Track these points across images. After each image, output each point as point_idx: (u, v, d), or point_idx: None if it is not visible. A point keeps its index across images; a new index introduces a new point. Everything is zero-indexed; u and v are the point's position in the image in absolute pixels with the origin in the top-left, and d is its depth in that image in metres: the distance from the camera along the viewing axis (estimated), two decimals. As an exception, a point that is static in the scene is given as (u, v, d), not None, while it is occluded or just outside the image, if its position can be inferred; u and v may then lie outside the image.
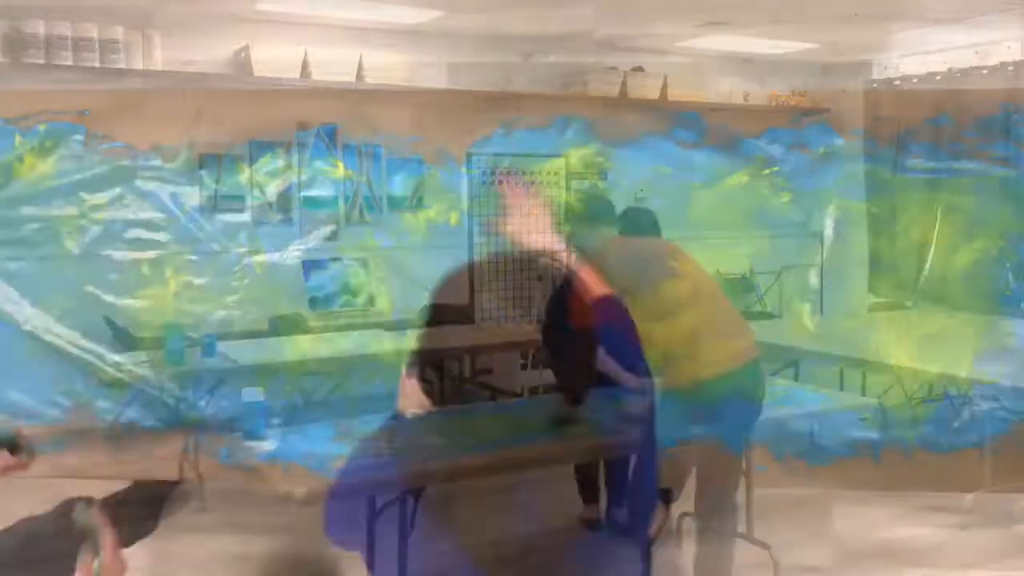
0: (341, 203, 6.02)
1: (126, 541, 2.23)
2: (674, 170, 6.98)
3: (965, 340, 4.68)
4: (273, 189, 5.81)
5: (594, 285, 2.61)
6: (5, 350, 4.46)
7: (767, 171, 7.35)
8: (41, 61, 4.90)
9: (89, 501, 2.33)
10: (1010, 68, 6.23)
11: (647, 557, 2.83)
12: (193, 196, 5.54)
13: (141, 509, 2.38)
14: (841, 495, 4.17)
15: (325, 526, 2.62)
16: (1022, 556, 3.58)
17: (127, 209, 5.29)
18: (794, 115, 7.44)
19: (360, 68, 5.75)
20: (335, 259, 5.79)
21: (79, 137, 4.98)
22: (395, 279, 6.12)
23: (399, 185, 6.19)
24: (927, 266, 6.77)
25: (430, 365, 4.33)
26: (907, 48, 6.74)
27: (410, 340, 4.96)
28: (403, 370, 2.71)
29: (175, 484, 3.10)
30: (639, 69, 6.75)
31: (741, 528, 3.45)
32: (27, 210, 4.97)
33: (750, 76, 7.28)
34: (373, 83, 5.77)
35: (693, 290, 3.10)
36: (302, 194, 5.89)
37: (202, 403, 4.21)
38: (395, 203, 6.18)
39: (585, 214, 3.37)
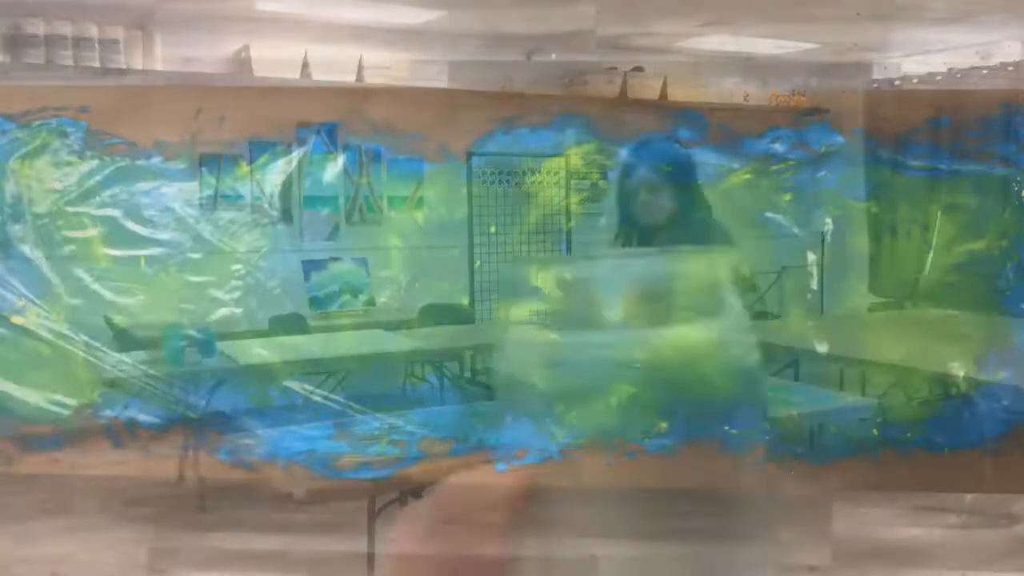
0: (341, 202, 6.02)
1: None
2: (675, 169, 6.97)
3: (965, 340, 4.68)
4: (273, 188, 5.81)
5: None
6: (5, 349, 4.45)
7: (770, 169, 7.34)
8: (41, 60, 4.90)
9: None
10: (1010, 68, 6.22)
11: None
12: (194, 194, 5.53)
13: None
14: (841, 495, 4.17)
15: None
16: (1022, 556, 3.58)
17: (128, 207, 5.28)
18: (794, 115, 7.43)
19: (360, 67, 5.75)
20: (335, 259, 5.79)
21: (80, 134, 4.99)
22: (395, 279, 6.12)
23: (400, 184, 6.19)
24: (927, 266, 6.77)
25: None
26: (907, 48, 6.74)
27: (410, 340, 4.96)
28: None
29: None
30: (639, 69, 6.75)
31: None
32: (27, 208, 4.97)
33: (750, 76, 7.28)
34: (373, 82, 5.77)
35: None
36: (303, 194, 5.89)
37: (202, 403, 4.21)
38: (395, 202, 6.18)
39: None
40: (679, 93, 6.84)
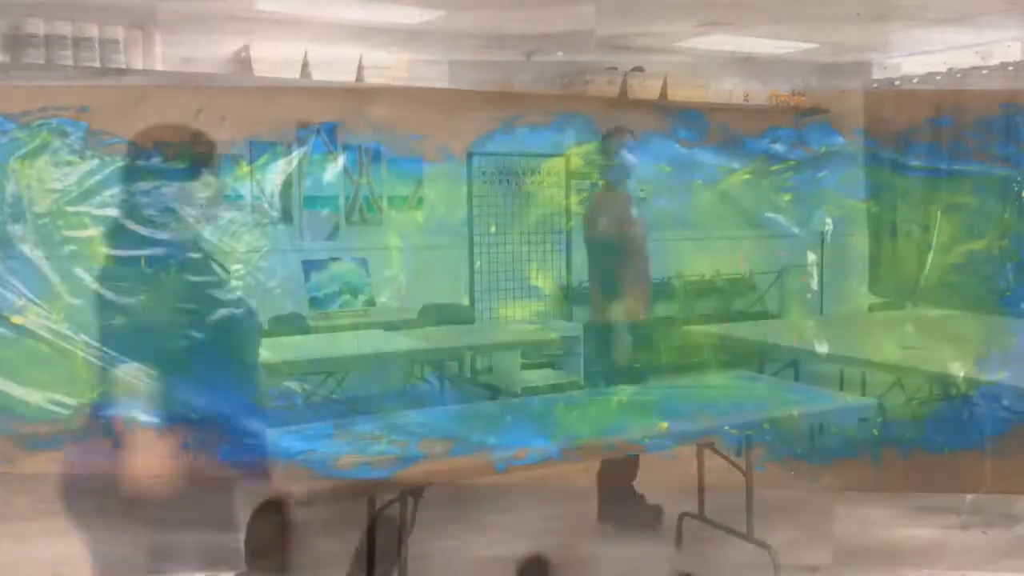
0: (341, 202, 6.02)
1: None
2: (675, 169, 6.98)
3: (965, 340, 4.68)
4: (273, 188, 5.81)
5: None
6: (6, 349, 4.45)
7: (770, 169, 7.34)
8: (41, 60, 4.90)
9: None
10: (1010, 68, 6.22)
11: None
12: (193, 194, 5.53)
13: None
14: (841, 495, 4.17)
15: None
16: (1022, 556, 3.58)
17: (127, 206, 5.28)
18: (794, 115, 7.44)
19: (360, 67, 5.75)
20: (335, 259, 5.79)
21: (80, 134, 4.99)
22: (395, 279, 6.11)
23: (399, 184, 6.19)
24: (927, 266, 6.77)
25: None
26: (907, 48, 6.74)
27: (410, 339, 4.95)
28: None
29: None
30: (639, 69, 6.74)
31: (741, 528, 3.45)
32: (27, 207, 4.96)
33: (750, 76, 7.28)
34: (373, 82, 5.77)
35: None
36: (303, 194, 5.89)
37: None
38: (395, 202, 6.18)
39: None
40: (679, 93, 6.84)
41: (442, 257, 6.20)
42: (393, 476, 2.67)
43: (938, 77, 6.66)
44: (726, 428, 3.18)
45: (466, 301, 6.06)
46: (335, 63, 5.67)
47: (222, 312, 2.42)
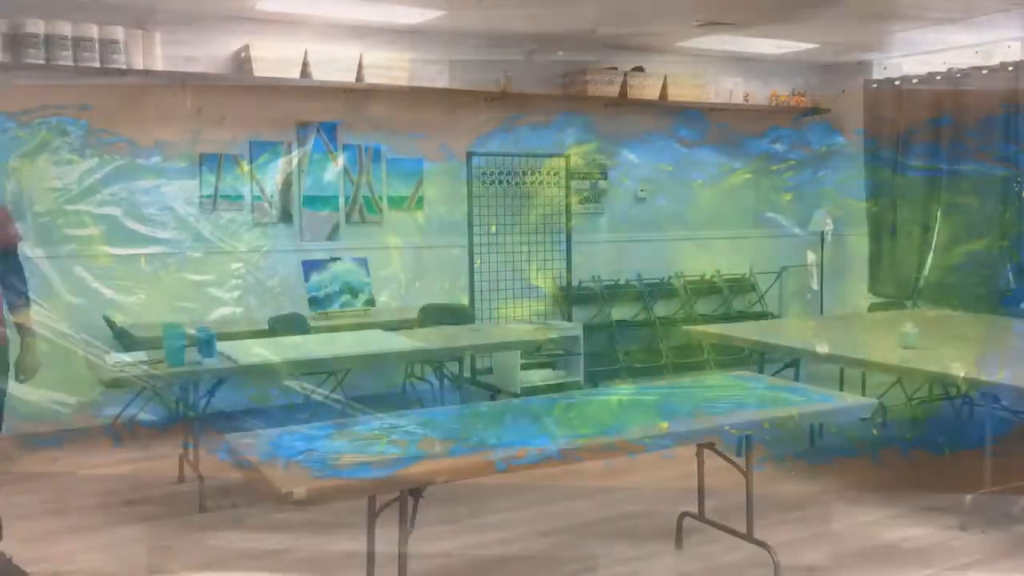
0: (341, 202, 6.02)
1: None
2: (675, 168, 6.99)
3: (965, 340, 4.68)
4: (273, 188, 5.81)
5: None
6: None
7: (770, 169, 7.35)
8: (41, 60, 4.90)
9: None
10: (1010, 68, 6.23)
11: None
12: (194, 193, 5.54)
13: None
14: (841, 495, 4.17)
15: None
16: (1022, 556, 3.58)
17: (128, 205, 5.29)
18: (794, 115, 7.45)
19: (360, 67, 5.75)
20: (335, 259, 5.79)
21: (80, 132, 5.00)
22: (395, 279, 6.12)
23: (400, 184, 6.18)
24: (927, 266, 6.78)
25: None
26: (907, 48, 6.74)
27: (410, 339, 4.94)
28: None
29: None
30: (639, 69, 6.75)
31: (741, 528, 3.45)
32: (28, 206, 4.97)
33: (750, 76, 7.28)
34: (373, 82, 5.77)
35: None
36: (303, 194, 5.89)
37: (202, 402, 4.21)
38: (395, 202, 6.18)
39: None
40: (679, 93, 6.84)
41: (442, 257, 6.20)
42: (393, 476, 2.67)
43: (938, 77, 6.66)
44: (726, 428, 3.17)
45: (466, 301, 6.06)
46: (335, 63, 5.67)
47: None
